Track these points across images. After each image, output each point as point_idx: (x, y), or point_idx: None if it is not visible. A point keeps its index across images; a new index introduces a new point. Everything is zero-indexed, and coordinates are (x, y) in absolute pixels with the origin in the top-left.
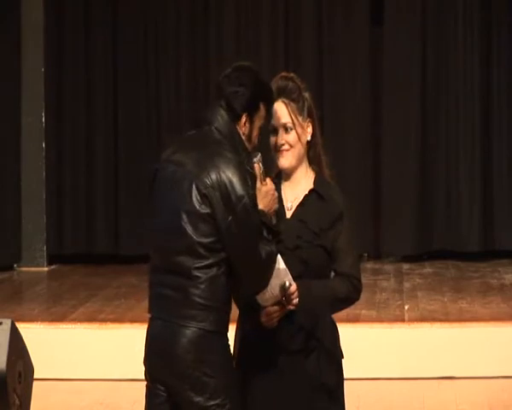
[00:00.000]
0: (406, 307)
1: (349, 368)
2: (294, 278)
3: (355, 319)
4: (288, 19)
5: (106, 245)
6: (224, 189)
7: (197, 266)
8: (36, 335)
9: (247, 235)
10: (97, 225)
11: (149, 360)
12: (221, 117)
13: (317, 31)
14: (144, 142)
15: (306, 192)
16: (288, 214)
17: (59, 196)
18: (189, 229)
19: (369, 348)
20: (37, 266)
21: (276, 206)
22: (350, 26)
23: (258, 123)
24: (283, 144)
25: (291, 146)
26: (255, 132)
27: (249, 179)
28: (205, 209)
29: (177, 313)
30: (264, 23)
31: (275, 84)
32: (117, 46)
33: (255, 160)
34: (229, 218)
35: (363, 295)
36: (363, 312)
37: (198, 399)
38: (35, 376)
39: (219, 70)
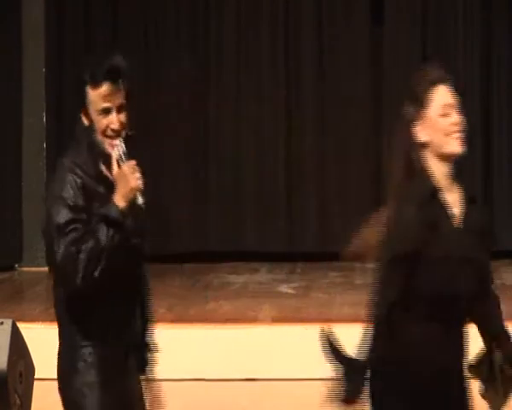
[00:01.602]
0: None
1: None
2: (472, 297)
3: (357, 319)
4: (288, 18)
5: None
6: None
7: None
8: (37, 335)
9: (48, 234)
10: None
11: None
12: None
13: (317, 31)
14: (144, 141)
15: (463, 197)
16: (458, 224)
17: None
18: None
19: None
20: (38, 266)
21: (134, 184)
22: (350, 26)
23: (92, 107)
24: (458, 124)
25: (461, 131)
26: (94, 117)
27: (71, 177)
28: None
29: None
30: (264, 23)
31: (435, 72)
32: (117, 46)
33: (115, 143)
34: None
35: (365, 295)
36: (365, 312)
37: None
38: (36, 376)
39: (219, 70)
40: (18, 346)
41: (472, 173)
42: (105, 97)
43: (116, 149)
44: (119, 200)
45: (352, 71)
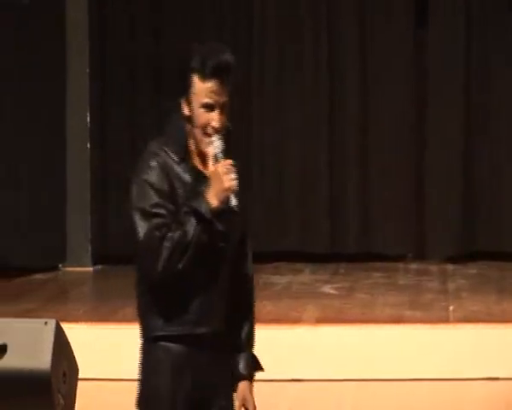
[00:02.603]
0: (451, 308)
1: (394, 369)
2: None
3: (399, 320)
4: (330, 21)
5: None
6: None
7: None
8: (81, 335)
9: (131, 218)
10: None
11: None
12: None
13: (359, 34)
14: None
15: None
16: None
17: (104, 196)
18: None
19: (413, 348)
20: (82, 265)
21: (228, 185)
22: (393, 28)
23: (196, 99)
24: None
25: None
26: (196, 110)
27: (156, 161)
28: None
29: None
30: (306, 26)
31: None
32: (161, 46)
33: (212, 140)
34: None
35: (407, 296)
36: (408, 312)
37: None
38: (80, 376)
39: (261, 75)
40: (62, 346)
41: None
42: (211, 93)
43: (213, 145)
44: (212, 198)
45: (396, 73)
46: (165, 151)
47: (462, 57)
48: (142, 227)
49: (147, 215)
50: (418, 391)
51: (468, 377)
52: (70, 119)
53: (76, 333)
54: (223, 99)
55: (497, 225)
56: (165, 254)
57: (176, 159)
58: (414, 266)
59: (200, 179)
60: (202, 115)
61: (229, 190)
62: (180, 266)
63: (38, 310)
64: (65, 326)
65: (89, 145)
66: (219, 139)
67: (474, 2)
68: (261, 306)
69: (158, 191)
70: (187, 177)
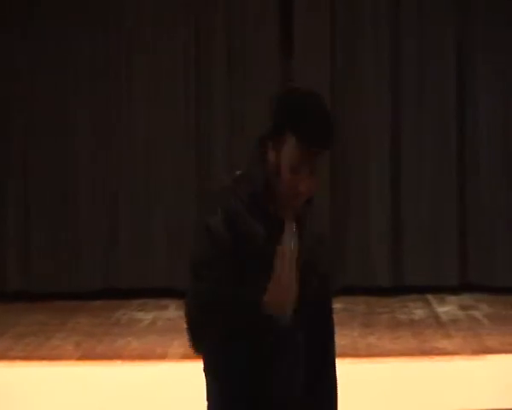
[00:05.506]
0: None
1: None
2: None
3: None
4: (201, 52)
5: (16, 282)
6: None
7: None
8: None
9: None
10: (7, 261)
11: None
12: None
13: (226, 64)
14: (55, 174)
15: None
16: None
17: None
18: None
19: None
20: None
21: (286, 298)
22: (260, 60)
23: (285, 155)
24: None
25: None
26: (282, 169)
27: (221, 210)
28: None
29: None
30: (177, 68)
31: None
32: (33, 66)
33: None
34: None
35: None
36: None
37: None
38: None
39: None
40: None
41: (381, 205)
42: (305, 161)
43: (289, 231)
44: (267, 304)
45: (263, 103)
46: (236, 192)
47: (327, 84)
48: (190, 288)
49: (197, 275)
50: None
51: None
52: None
53: None
54: (316, 163)
55: (363, 261)
56: (199, 326)
57: (248, 202)
58: None
59: (276, 228)
60: (290, 178)
61: (285, 304)
62: (207, 345)
63: None
64: None
65: None
66: (294, 229)
67: (338, 30)
68: (126, 342)
69: (217, 243)
70: (259, 226)
